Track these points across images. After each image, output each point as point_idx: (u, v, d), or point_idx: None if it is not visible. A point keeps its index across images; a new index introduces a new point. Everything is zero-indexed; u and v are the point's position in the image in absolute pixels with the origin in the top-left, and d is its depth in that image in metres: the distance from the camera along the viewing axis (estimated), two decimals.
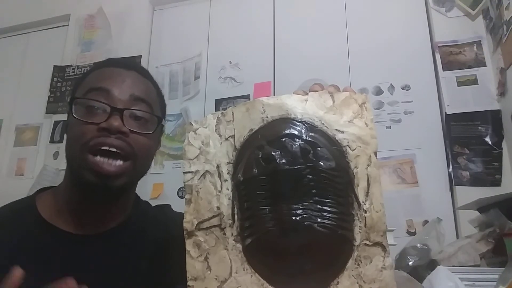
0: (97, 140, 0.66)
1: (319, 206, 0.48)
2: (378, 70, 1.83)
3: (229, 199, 0.52)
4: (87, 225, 0.72)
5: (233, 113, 0.55)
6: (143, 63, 2.13)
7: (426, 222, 1.57)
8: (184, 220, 0.52)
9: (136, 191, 0.82)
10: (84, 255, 0.70)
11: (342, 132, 0.53)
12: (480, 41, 1.72)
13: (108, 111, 0.67)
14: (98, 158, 0.65)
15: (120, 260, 0.72)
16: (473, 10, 1.73)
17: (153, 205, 0.87)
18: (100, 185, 0.67)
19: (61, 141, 2.14)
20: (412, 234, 1.57)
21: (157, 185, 1.94)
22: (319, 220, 0.48)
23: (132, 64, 0.79)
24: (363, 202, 0.50)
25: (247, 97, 1.97)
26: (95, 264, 0.70)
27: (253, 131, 0.54)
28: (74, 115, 0.68)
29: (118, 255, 0.73)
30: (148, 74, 0.79)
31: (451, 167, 1.61)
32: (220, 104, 2.02)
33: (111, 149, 0.66)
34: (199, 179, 0.54)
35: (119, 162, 0.67)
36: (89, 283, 0.68)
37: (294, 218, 0.48)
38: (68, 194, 0.73)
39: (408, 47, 1.82)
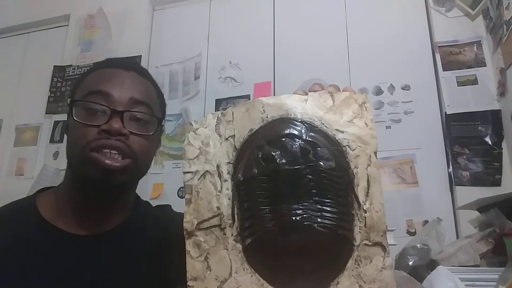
0: (98, 143, 0.66)
1: (319, 206, 0.48)
2: (378, 70, 1.83)
3: (229, 199, 0.52)
4: (87, 226, 0.72)
5: (233, 113, 0.55)
6: (143, 63, 2.12)
7: (426, 222, 1.57)
8: (184, 220, 0.52)
9: (136, 191, 0.82)
10: (84, 255, 0.70)
11: (342, 132, 0.53)
12: (480, 41, 1.71)
13: (108, 113, 0.68)
14: (99, 154, 0.66)
15: (121, 261, 0.72)
16: (473, 10, 1.73)
17: (153, 205, 0.87)
18: (102, 181, 0.67)
19: (61, 141, 2.14)
20: (412, 234, 1.57)
21: (157, 185, 1.94)
22: (319, 220, 0.48)
23: (131, 64, 0.79)
24: (363, 202, 0.50)
25: (247, 97, 1.97)
26: (96, 265, 0.70)
27: (253, 131, 0.54)
28: (74, 118, 0.69)
29: (119, 255, 0.73)
30: (148, 74, 0.79)
31: (451, 167, 1.61)
32: (220, 104, 2.02)
33: (112, 151, 0.67)
34: (199, 179, 0.53)
35: (121, 159, 0.68)
36: (90, 283, 0.68)
37: (294, 218, 0.48)
38: (68, 194, 0.73)
39: (408, 47, 1.82)
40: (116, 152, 0.67)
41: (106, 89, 0.70)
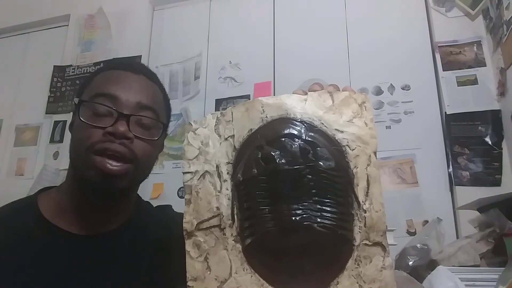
0: (103, 145, 0.66)
1: (319, 206, 0.48)
2: (378, 70, 1.83)
3: (228, 199, 0.52)
4: (89, 226, 0.72)
5: (232, 113, 0.55)
6: (143, 63, 2.12)
7: (426, 222, 1.57)
8: (184, 220, 0.52)
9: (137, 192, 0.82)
10: (86, 255, 0.70)
11: (342, 131, 0.53)
12: (480, 41, 1.71)
13: (114, 116, 0.68)
14: (101, 158, 0.66)
15: (122, 261, 0.72)
16: (473, 10, 1.73)
17: (153, 205, 0.87)
18: (103, 186, 0.67)
19: (61, 141, 2.14)
20: (412, 234, 1.57)
21: (157, 185, 1.94)
22: (319, 220, 0.48)
23: (140, 67, 0.79)
24: (362, 202, 0.50)
25: (247, 97, 1.97)
26: (97, 265, 0.70)
27: (252, 131, 0.54)
28: (80, 118, 0.69)
29: (120, 255, 0.73)
30: (156, 78, 0.79)
31: (451, 167, 1.61)
32: (220, 104, 2.02)
33: (114, 161, 0.67)
34: (198, 179, 0.53)
35: (122, 164, 0.68)
36: (91, 283, 0.68)
37: (294, 218, 0.48)
38: (70, 194, 0.73)
39: (408, 47, 1.82)
40: (118, 161, 0.67)
41: (114, 91, 0.70)
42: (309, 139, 0.51)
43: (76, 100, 0.72)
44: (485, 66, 1.68)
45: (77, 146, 0.69)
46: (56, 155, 2.12)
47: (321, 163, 0.49)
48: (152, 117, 0.72)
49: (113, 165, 0.67)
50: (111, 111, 0.68)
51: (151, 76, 0.78)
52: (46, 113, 2.25)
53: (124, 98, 0.69)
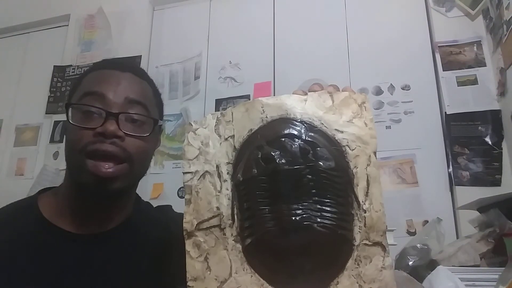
0: (93, 146, 0.66)
1: (319, 206, 0.48)
2: (378, 70, 1.83)
3: (228, 199, 0.52)
4: (88, 225, 0.72)
5: (232, 113, 0.55)
6: (143, 63, 2.13)
7: (426, 222, 1.57)
8: (184, 220, 0.52)
9: (136, 191, 0.82)
10: (85, 254, 0.70)
11: (342, 132, 0.53)
12: (480, 41, 1.72)
13: (103, 116, 0.67)
14: (95, 161, 0.66)
15: (121, 260, 0.72)
16: (473, 10, 1.73)
17: (153, 205, 0.87)
18: (97, 189, 0.67)
19: (61, 141, 2.14)
20: (412, 234, 1.57)
21: (157, 185, 1.94)
22: (319, 220, 0.48)
23: (127, 65, 0.79)
24: (362, 202, 0.50)
25: (247, 97, 1.97)
26: (96, 264, 0.70)
27: (252, 131, 0.54)
28: (70, 121, 0.69)
29: (119, 254, 0.73)
30: (145, 74, 0.79)
31: (451, 167, 1.61)
32: (220, 104, 2.02)
33: (108, 162, 0.67)
34: (198, 180, 0.53)
35: (116, 165, 0.67)
36: (90, 282, 0.68)
37: (294, 218, 0.48)
38: (68, 195, 0.73)
39: (408, 47, 1.82)
40: (111, 162, 0.67)
41: (101, 90, 0.70)
42: (309, 139, 0.51)
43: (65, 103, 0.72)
44: (485, 66, 1.68)
45: (70, 149, 0.70)
46: (56, 155, 2.13)
47: (321, 163, 0.49)
48: (142, 112, 0.72)
49: (106, 167, 0.66)
50: (100, 111, 0.68)
51: (139, 73, 0.77)
52: (46, 113, 2.25)
53: (112, 96, 0.69)
